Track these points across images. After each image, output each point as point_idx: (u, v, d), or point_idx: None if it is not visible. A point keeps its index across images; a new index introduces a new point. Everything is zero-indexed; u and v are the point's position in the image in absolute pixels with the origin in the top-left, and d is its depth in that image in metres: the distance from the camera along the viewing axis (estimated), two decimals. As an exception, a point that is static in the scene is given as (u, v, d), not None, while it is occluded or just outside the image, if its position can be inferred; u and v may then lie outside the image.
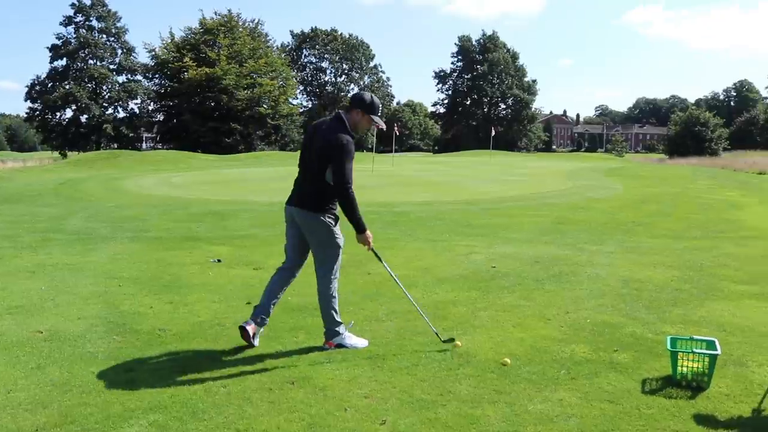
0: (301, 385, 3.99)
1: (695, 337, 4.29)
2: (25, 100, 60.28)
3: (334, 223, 4.60)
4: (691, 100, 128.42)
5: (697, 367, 3.97)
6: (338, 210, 4.63)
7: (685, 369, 4.00)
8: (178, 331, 5.09)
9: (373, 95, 4.71)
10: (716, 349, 4.04)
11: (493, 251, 8.62)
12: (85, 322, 5.28)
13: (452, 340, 4.74)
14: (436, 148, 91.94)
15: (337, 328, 4.67)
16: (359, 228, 4.59)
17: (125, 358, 4.46)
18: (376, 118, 4.66)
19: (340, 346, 4.66)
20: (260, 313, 4.71)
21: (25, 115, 63.38)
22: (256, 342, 4.70)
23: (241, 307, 5.79)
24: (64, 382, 4.01)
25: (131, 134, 61.31)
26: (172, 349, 4.68)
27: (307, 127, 5.03)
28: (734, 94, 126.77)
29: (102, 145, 58.59)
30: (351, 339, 4.72)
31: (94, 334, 4.97)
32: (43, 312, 5.59)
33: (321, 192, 4.52)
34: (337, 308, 4.68)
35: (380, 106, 4.76)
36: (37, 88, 59.81)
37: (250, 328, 4.65)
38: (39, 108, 59.83)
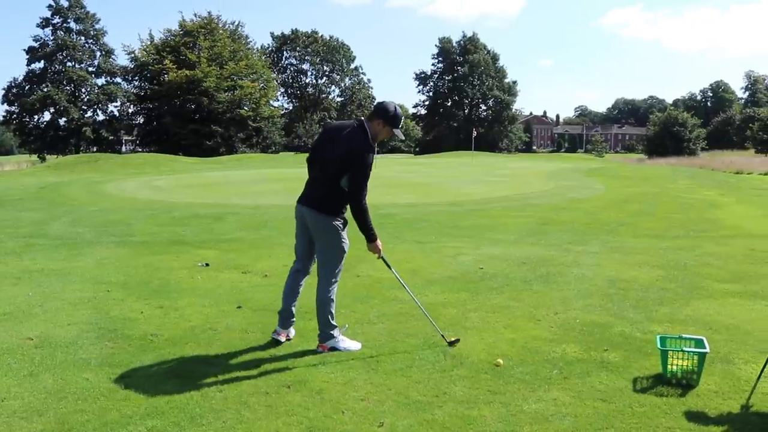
0: (298, 389, 4.01)
1: (684, 335, 4.39)
2: (2, 103, 59.51)
3: (342, 227, 4.65)
4: (669, 100, 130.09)
5: (687, 365, 4.05)
6: (347, 214, 4.68)
7: (675, 367, 4.08)
8: (170, 336, 5.08)
9: (396, 107, 4.71)
10: (705, 348, 4.13)
11: (481, 252, 8.69)
12: (76, 328, 5.24)
13: (457, 341, 4.80)
14: (418, 149, 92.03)
15: (331, 331, 4.70)
16: (370, 237, 4.67)
17: (119, 364, 4.44)
18: (397, 131, 4.72)
19: (334, 349, 4.69)
20: (286, 317, 4.87)
21: (2, 118, 62.49)
22: (290, 336, 4.95)
23: (232, 311, 5.80)
24: (58, 389, 3.99)
25: (111, 137, 60.59)
26: (165, 354, 4.66)
27: (324, 127, 5.09)
28: (711, 94, 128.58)
29: (81, 148, 57.87)
30: (344, 342, 4.75)
31: (86, 340, 4.94)
32: (31, 318, 5.54)
33: (336, 196, 4.57)
34: (333, 312, 4.72)
35: (402, 117, 4.78)
36: (14, 90, 58.97)
37: (282, 338, 4.85)
38: (16, 111, 58.99)
